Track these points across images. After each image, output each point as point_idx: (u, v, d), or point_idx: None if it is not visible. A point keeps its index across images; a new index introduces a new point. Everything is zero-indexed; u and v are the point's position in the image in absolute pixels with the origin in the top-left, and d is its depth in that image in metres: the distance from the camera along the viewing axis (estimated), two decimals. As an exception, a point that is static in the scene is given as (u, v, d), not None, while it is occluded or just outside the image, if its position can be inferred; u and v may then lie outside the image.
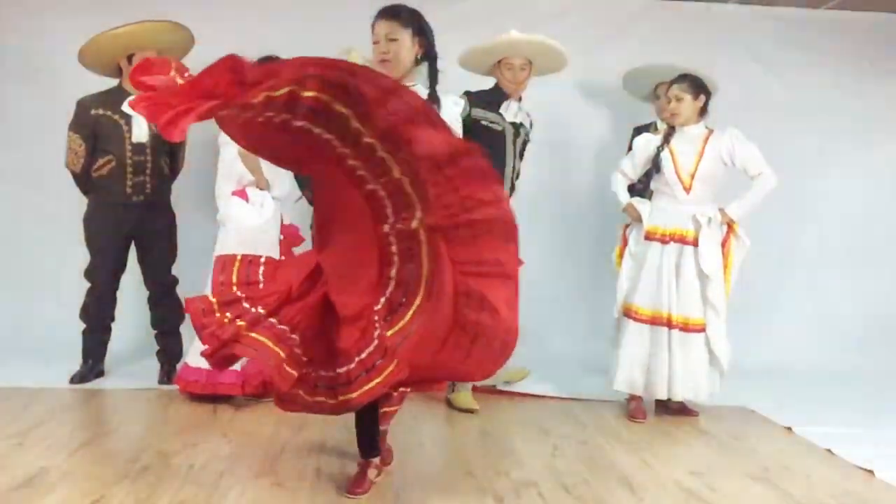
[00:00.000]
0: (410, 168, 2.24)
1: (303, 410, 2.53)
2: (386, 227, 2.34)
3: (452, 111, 2.73)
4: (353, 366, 2.31)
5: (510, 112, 3.95)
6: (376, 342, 2.33)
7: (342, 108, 2.15)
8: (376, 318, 2.35)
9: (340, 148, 2.24)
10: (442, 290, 2.36)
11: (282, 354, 2.33)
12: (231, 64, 2.11)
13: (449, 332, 2.39)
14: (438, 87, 2.77)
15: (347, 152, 2.25)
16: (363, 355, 2.32)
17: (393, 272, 2.38)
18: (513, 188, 4.02)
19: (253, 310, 2.44)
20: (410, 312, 2.36)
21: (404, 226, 2.32)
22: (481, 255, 2.39)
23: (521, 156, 4.10)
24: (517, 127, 3.98)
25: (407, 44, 2.64)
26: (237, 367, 3.37)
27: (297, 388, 2.43)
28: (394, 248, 2.36)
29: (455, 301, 2.38)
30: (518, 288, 2.53)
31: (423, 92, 2.72)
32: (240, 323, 2.40)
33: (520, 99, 4.02)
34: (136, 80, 2.26)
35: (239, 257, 3.51)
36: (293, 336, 2.37)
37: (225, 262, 3.52)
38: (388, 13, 2.65)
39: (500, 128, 3.92)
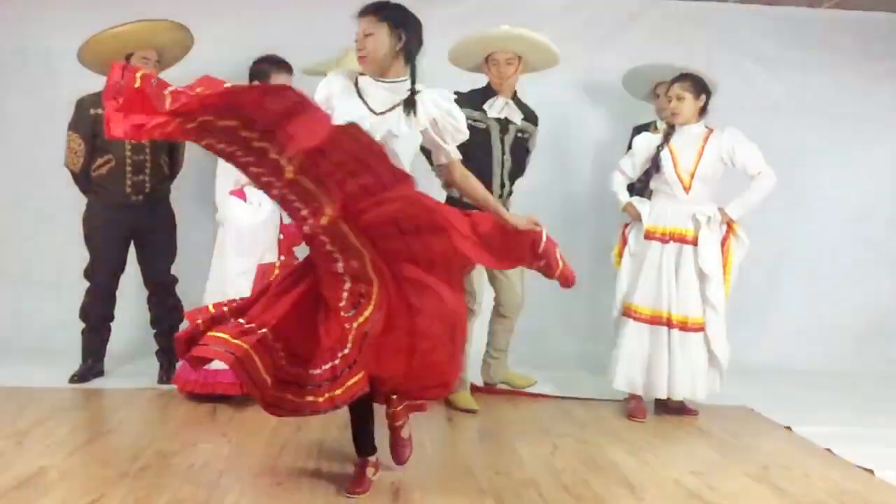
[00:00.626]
0: (302, 165, 2.23)
1: (291, 414, 2.54)
2: (306, 228, 2.34)
3: (444, 106, 2.69)
4: (337, 361, 2.34)
5: (495, 108, 3.90)
6: (352, 339, 2.36)
7: (228, 121, 2.16)
8: (343, 313, 2.37)
9: (244, 158, 2.27)
10: (385, 276, 2.39)
11: (244, 346, 2.34)
12: (150, 93, 2.11)
13: (409, 319, 2.43)
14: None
15: (251, 160, 2.27)
16: (346, 350, 2.35)
17: (340, 267, 2.39)
18: (503, 185, 3.94)
19: (224, 309, 2.49)
20: (372, 303, 2.38)
21: (317, 222, 2.31)
22: (405, 239, 2.40)
23: (520, 152, 4.00)
24: (504, 123, 3.93)
25: (383, 38, 2.58)
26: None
27: (283, 393, 2.44)
28: (329, 247, 2.36)
29: (398, 287, 2.41)
30: (462, 270, 2.57)
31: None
32: (198, 321, 2.44)
33: (514, 95, 3.99)
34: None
35: (278, 264, 3.54)
36: (261, 331, 2.38)
37: (265, 271, 3.57)
38: (366, 9, 2.63)
39: (483, 125, 3.88)
